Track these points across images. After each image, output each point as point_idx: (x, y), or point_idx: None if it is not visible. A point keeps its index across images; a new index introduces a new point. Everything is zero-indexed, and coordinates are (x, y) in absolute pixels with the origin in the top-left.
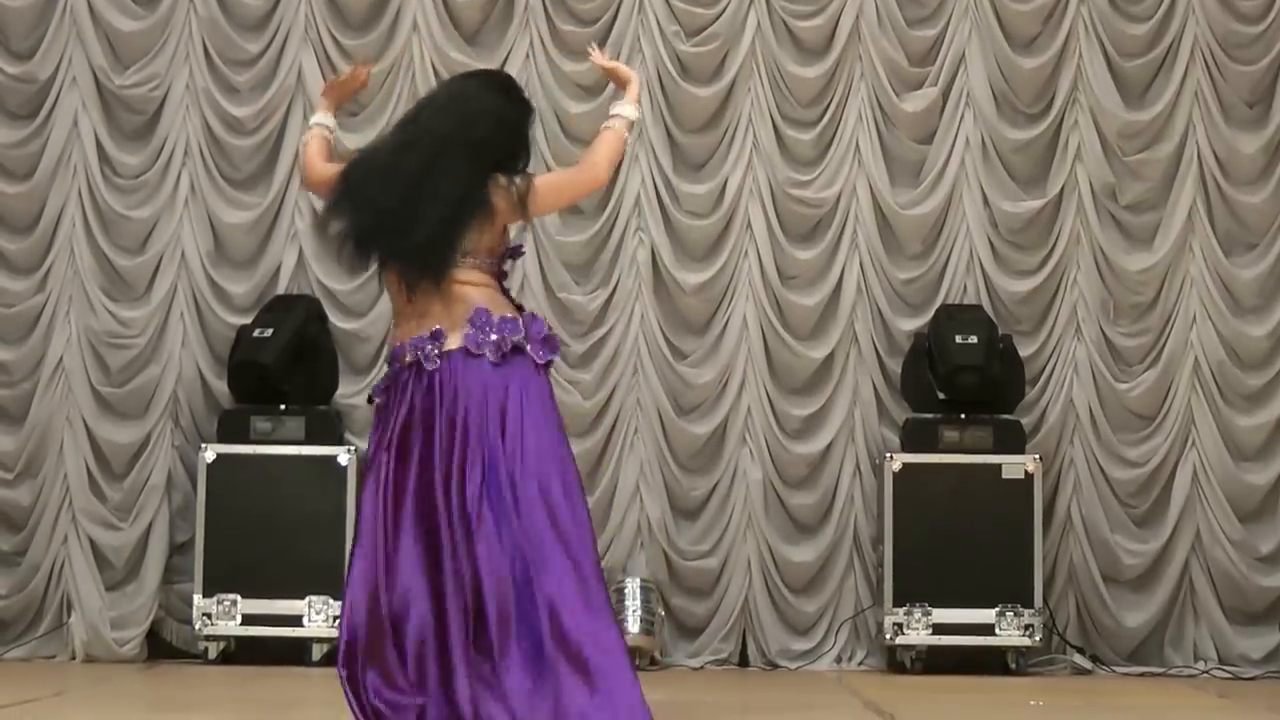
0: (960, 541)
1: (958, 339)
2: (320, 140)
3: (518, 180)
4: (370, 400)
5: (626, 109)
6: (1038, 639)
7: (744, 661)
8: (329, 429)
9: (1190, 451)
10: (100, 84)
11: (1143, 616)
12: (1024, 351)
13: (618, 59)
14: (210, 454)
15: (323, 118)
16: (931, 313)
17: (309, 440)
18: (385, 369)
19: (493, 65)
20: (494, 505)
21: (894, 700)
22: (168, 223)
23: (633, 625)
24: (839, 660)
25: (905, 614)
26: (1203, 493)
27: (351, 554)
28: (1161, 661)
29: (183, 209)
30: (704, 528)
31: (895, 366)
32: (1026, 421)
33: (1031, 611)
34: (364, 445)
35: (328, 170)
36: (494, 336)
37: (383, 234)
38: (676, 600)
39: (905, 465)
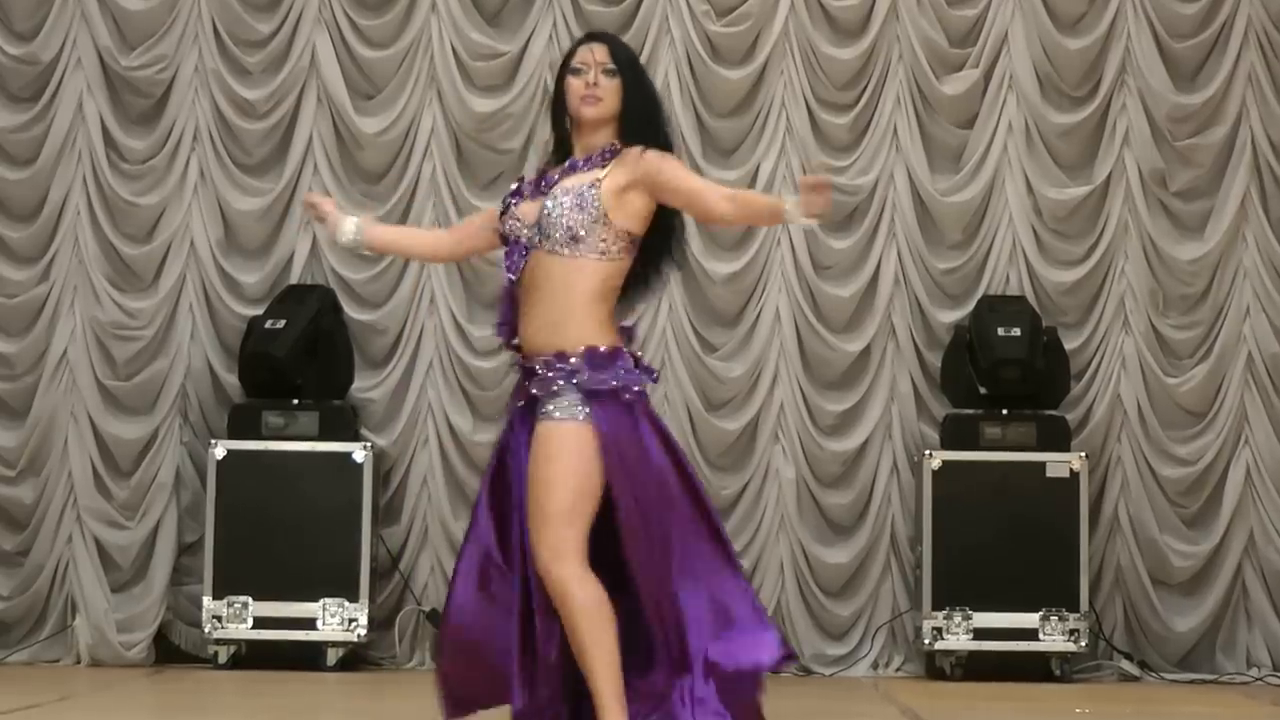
0: (1002, 543)
1: (1000, 331)
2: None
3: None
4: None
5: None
6: (1083, 644)
7: (776, 668)
8: (344, 424)
9: (1243, 449)
10: (106, 65)
11: (1193, 621)
12: (1069, 345)
13: (645, 40)
14: (220, 450)
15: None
16: (972, 304)
17: (323, 436)
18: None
19: (514, 47)
20: None
21: (933, 708)
22: (176, 210)
23: None
24: (876, 666)
25: (945, 618)
26: (1256, 492)
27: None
28: (1213, 668)
29: (192, 196)
30: (735, 528)
31: (934, 360)
32: (1072, 418)
33: (1077, 616)
34: (379, 441)
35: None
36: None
37: None
38: None
39: (945, 463)
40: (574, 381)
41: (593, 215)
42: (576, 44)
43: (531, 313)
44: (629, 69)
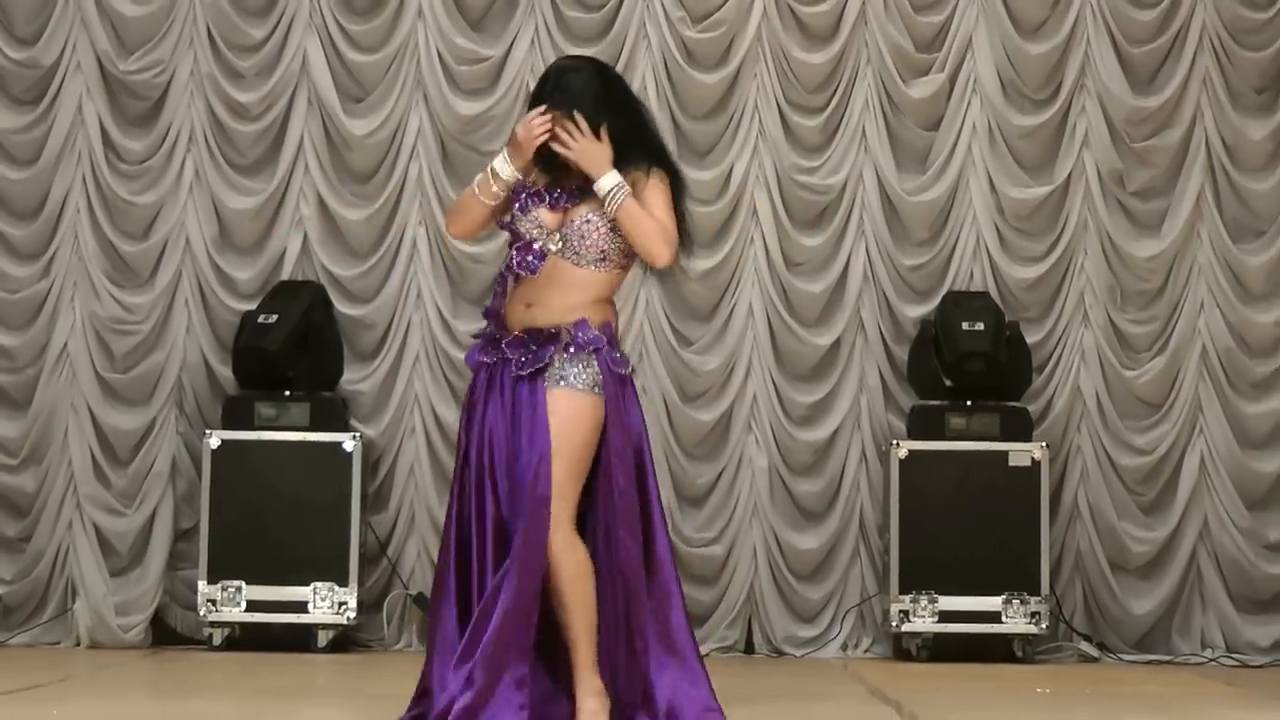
0: (966, 529)
1: (964, 326)
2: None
3: None
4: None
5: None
6: (1044, 627)
7: (749, 649)
8: (334, 415)
9: (1198, 439)
10: (104, 69)
11: (1150, 604)
12: (1031, 338)
13: (623, 45)
14: (215, 440)
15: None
16: (938, 299)
17: (314, 426)
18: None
19: (497, 52)
20: None
21: (900, 688)
22: (172, 208)
23: None
24: (845, 648)
25: (911, 601)
26: (1210, 480)
27: None
28: (1169, 649)
29: (187, 195)
30: (709, 515)
31: (901, 353)
32: (1033, 409)
33: (1038, 599)
34: (368, 431)
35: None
36: None
37: None
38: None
39: (911, 452)
40: (596, 349)
41: (621, 238)
42: (538, 96)
43: (540, 300)
44: (595, 111)
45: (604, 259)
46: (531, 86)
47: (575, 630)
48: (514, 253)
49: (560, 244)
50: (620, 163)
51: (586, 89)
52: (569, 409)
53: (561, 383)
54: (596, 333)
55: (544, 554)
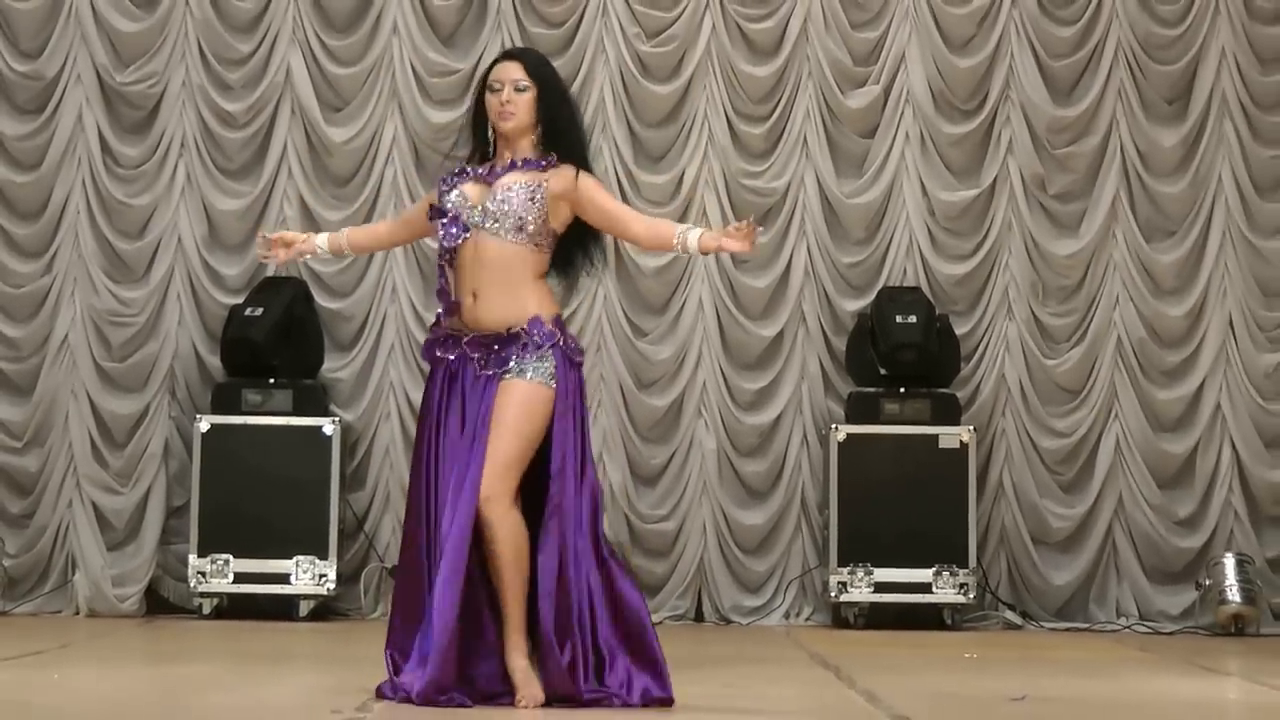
0: (900, 506)
1: (898, 318)
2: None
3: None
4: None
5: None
6: (971, 597)
7: (699, 617)
8: (315, 401)
9: (1113, 423)
10: (102, 81)
11: (1069, 576)
12: (959, 330)
13: (583, 59)
14: (204, 424)
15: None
16: (874, 294)
17: (296, 411)
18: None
19: (466, 65)
20: None
21: (839, 653)
22: (165, 210)
23: None
24: (787, 616)
25: (849, 573)
26: (1125, 461)
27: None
28: (1086, 617)
29: (179, 197)
30: (662, 493)
31: (840, 344)
32: (962, 395)
33: (966, 571)
34: (346, 416)
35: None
36: None
37: None
38: (637, 560)
39: (849, 435)
40: (553, 344)
41: (539, 211)
42: (493, 62)
43: (483, 289)
44: (541, 81)
45: (521, 229)
46: None
47: (508, 592)
48: (438, 227)
49: (481, 215)
50: (550, 142)
51: (556, 81)
52: (519, 396)
53: (518, 376)
54: (551, 328)
55: (466, 545)
